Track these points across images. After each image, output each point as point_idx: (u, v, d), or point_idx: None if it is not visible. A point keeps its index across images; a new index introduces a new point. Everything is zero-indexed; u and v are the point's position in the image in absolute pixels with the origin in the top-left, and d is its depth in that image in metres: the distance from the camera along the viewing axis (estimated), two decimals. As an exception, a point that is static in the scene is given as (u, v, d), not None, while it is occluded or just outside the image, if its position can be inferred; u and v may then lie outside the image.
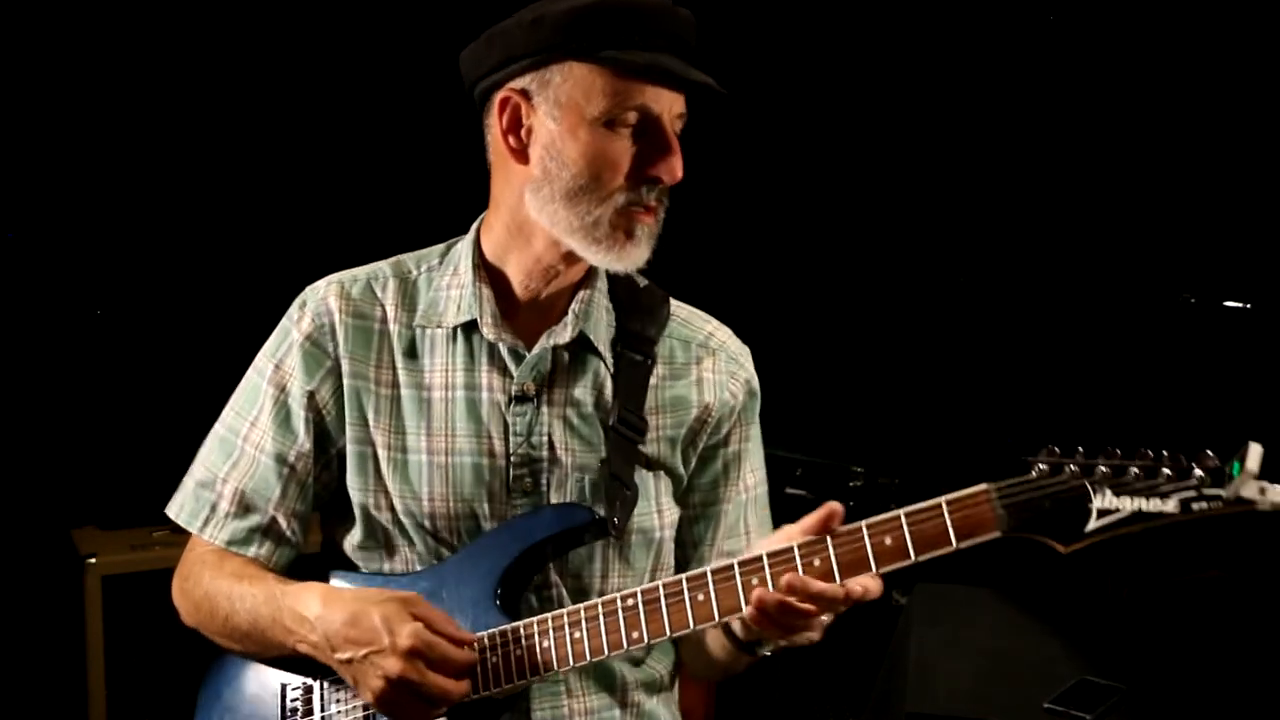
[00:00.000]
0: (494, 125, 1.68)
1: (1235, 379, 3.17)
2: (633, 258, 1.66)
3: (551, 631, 1.61)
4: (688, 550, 1.83)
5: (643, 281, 1.82)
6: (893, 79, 3.75)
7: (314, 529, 1.86)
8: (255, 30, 3.46)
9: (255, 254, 3.47)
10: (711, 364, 1.81)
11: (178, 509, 1.81)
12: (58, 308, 3.38)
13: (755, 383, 1.84)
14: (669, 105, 1.63)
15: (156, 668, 3.05)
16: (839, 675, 3.41)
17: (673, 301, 1.84)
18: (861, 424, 3.63)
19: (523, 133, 1.66)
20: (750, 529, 1.83)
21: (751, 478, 1.85)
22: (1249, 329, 3.16)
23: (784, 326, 3.70)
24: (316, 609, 1.65)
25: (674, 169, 1.63)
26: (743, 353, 1.85)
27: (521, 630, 1.62)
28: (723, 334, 1.85)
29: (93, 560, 3.08)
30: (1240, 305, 3.18)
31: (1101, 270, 3.47)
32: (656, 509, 1.75)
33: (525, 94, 1.65)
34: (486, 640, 1.63)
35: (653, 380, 1.76)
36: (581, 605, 1.60)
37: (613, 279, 1.80)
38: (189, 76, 3.41)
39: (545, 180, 1.65)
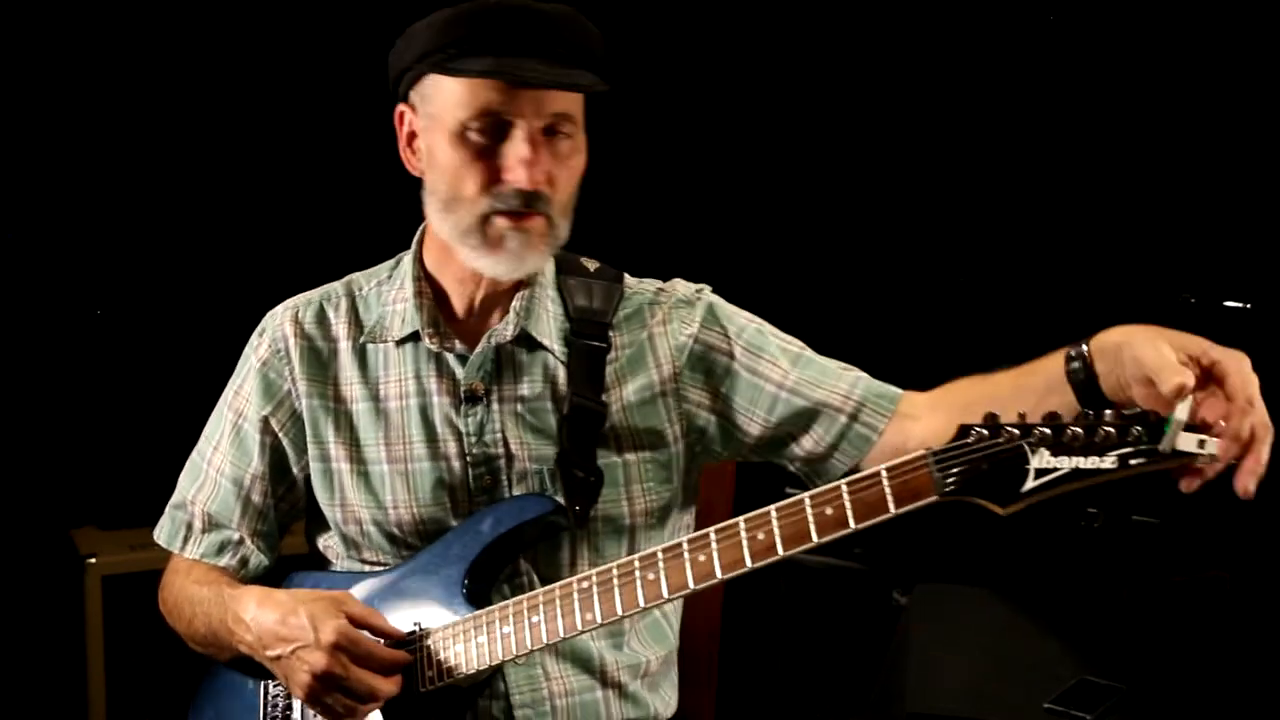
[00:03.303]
0: (399, 140, 1.75)
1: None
2: (508, 265, 1.68)
3: (511, 617, 1.63)
4: (817, 427, 1.76)
5: (593, 265, 1.84)
6: (895, 78, 3.75)
7: (295, 530, 1.92)
8: (257, 30, 3.46)
9: (256, 253, 3.47)
10: (661, 316, 1.80)
11: (158, 531, 1.92)
12: (58, 308, 3.38)
13: (716, 303, 1.82)
14: (531, 109, 1.62)
15: (156, 668, 3.05)
16: (839, 675, 3.41)
17: (627, 277, 1.85)
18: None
19: (416, 145, 1.72)
20: (842, 366, 1.79)
21: (793, 346, 1.80)
22: (1249, 329, 3.16)
23: (785, 326, 3.70)
24: (253, 610, 1.71)
25: (527, 176, 1.62)
26: (692, 294, 1.83)
27: (483, 618, 1.65)
28: (671, 285, 1.85)
29: (93, 560, 3.08)
30: (1240, 305, 3.18)
31: (1101, 270, 3.47)
32: (626, 496, 1.76)
33: (413, 108, 1.71)
34: (451, 630, 1.67)
35: (610, 357, 1.77)
36: (540, 590, 1.63)
37: (561, 270, 1.82)
38: (190, 75, 3.41)
39: (432, 192, 1.70)
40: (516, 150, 1.62)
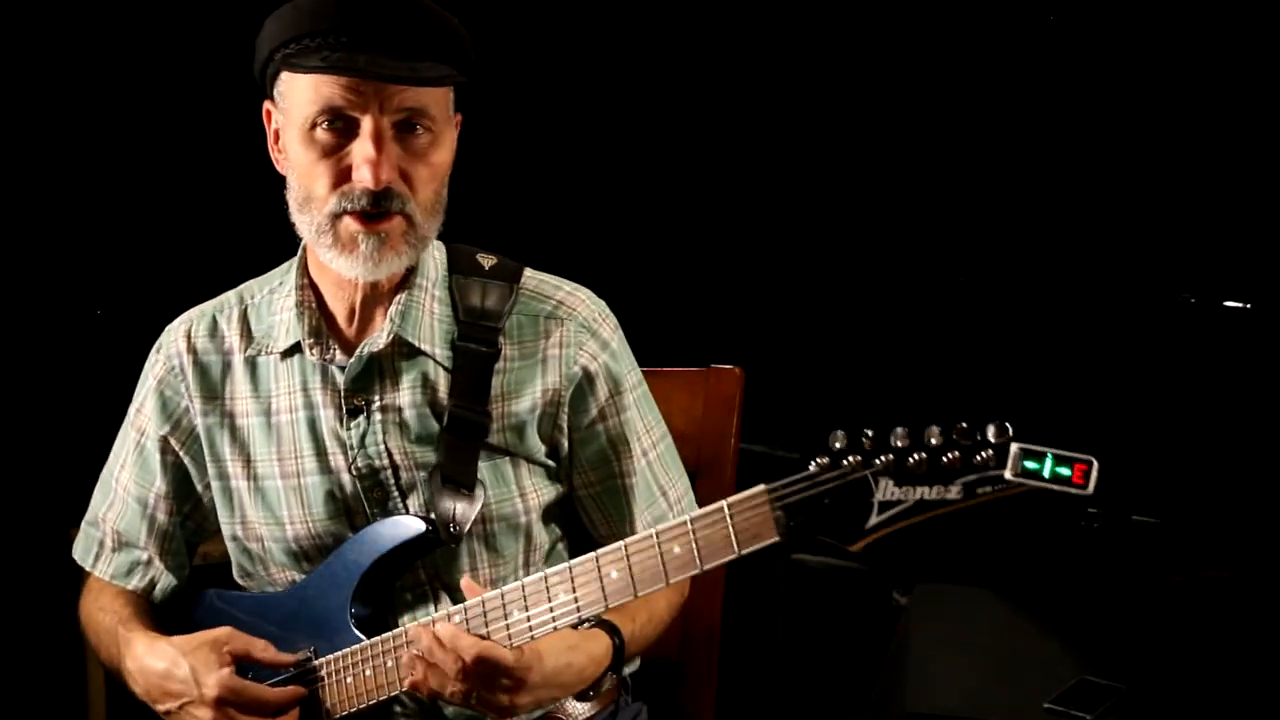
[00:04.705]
0: (268, 139, 1.72)
1: (1235, 380, 3.17)
2: (364, 267, 1.63)
3: (393, 650, 1.62)
4: (615, 529, 1.78)
5: (489, 262, 1.77)
6: (894, 77, 3.74)
7: (215, 539, 1.89)
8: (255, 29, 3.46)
9: (256, 253, 3.47)
10: (559, 336, 1.73)
11: (75, 548, 1.91)
12: (58, 308, 3.38)
13: (615, 343, 1.77)
14: (377, 104, 1.57)
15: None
16: (839, 675, 3.41)
17: (526, 273, 1.78)
18: (860, 423, 3.62)
19: (281, 144, 1.68)
20: (665, 489, 1.80)
21: (647, 439, 1.79)
22: (1249, 329, 3.16)
23: (783, 327, 3.70)
24: (139, 660, 1.71)
25: (371, 175, 1.57)
26: (595, 318, 1.77)
27: (369, 649, 1.64)
28: (574, 300, 1.77)
29: (93, 560, 3.08)
30: (1240, 305, 3.18)
31: (1101, 270, 3.47)
32: (519, 493, 1.73)
33: (275, 105, 1.68)
34: (341, 661, 1.66)
35: (499, 365, 1.71)
36: (409, 625, 1.61)
37: (454, 269, 1.75)
38: (191, 75, 3.41)
39: (290, 191, 1.67)
40: (362, 149, 1.58)
